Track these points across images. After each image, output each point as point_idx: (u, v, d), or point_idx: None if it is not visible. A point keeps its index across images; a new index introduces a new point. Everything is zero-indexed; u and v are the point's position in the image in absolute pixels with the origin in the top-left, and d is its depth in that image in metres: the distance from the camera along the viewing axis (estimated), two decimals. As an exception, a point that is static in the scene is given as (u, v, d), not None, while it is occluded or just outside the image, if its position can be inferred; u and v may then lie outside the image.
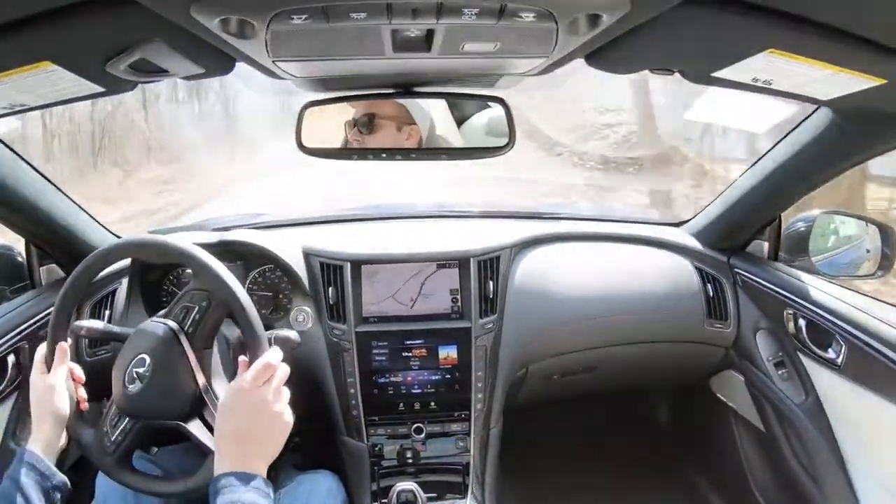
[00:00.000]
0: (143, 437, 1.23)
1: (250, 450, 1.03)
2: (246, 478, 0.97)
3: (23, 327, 1.56)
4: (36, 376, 1.22)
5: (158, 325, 1.20)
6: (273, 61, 1.02)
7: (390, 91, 1.39)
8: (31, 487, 1.07)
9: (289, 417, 1.09)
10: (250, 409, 1.05)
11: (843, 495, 1.59)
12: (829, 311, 1.58)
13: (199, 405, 1.18)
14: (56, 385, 1.20)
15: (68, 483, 1.15)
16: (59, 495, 1.12)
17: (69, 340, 1.26)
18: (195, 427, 1.18)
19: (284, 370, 1.13)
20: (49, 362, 1.23)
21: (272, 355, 1.11)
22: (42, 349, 1.25)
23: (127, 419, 1.20)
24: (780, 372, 1.79)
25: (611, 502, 2.34)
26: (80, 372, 1.27)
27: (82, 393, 1.26)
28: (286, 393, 1.11)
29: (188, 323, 1.20)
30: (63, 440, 1.20)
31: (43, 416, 1.17)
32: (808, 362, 1.70)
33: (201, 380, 1.17)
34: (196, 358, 1.18)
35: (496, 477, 1.83)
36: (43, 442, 1.14)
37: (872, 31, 0.87)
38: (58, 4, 0.79)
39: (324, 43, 0.95)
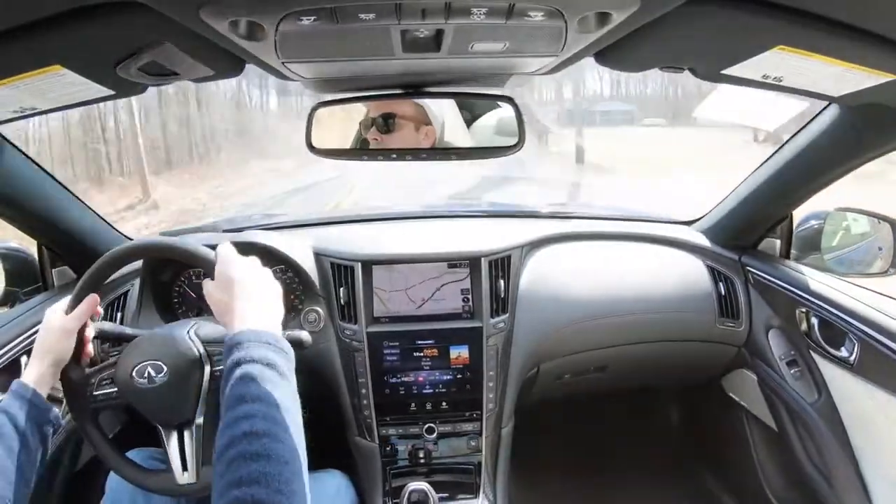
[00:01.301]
0: (122, 411, 1.23)
1: (263, 311, 1.01)
2: (256, 334, 0.94)
3: (35, 329, 1.57)
4: (55, 315, 1.19)
5: (192, 347, 1.20)
6: (282, 62, 1.03)
7: (400, 91, 1.39)
8: (24, 420, 1.06)
9: (275, 280, 1.11)
10: (244, 274, 1.05)
11: (855, 494, 1.58)
12: (841, 310, 1.57)
13: (185, 424, 1.19)
14: (72, 330, 1.18)
15: (60, 419, 1.15)
16: (50, 430, 1.12)
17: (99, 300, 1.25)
18: (172, 438, 1.20)
19: None
20: (71, 309, 1.20)
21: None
22: (67, 299, 1.23)
23: (116, 390, 1.21)
24: (792, 371, 1.78)
25: (622, 501, 2.34)
26: (91, 332, 1.26)
27: (89, 350, 1.25)
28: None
29: (220, 375, 1.19)
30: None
31: (45, 354, 1.16)
32: (820, 361, 1.69)
33: (201, 409, 1.18)
34: (206, 394, 1.19)
35: (508, 476, 1.84)
36: (38, 378, 1.13)
37: (883, 27, 0.87)
38: (67, 8, 0.80)
39: (333, 44, 0.95)
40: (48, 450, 1.12)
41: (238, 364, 0.89)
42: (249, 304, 1.01)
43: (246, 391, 0.86)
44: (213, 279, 1.08)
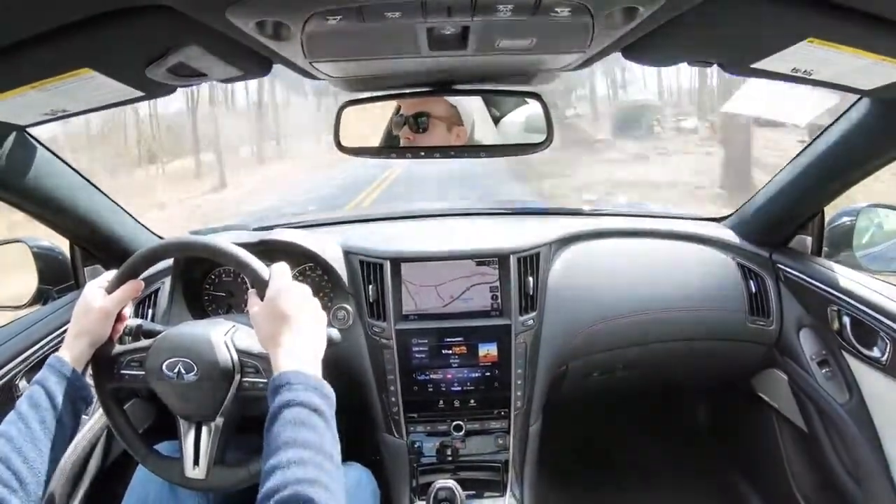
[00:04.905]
0: (152, 403, 1.24)
1: (308, 350, 1.04)
2: (304, 378, 0.97)
3: (68, 326, 1.60)
4: (95, 293, 1.20)
5: (227, 356, 1.20)
6: (309, 62, 1.04)
7: (427, 89, 1.40)
8: (59, 395, 1.08)
9: (322, 311, 1.12)
10: (295, 309, 1.06)
11: (886, 497, 1.55)
12: (874, 308, 1.54)
13: (204, 421, 1.21)
14: (112, 313, 1.20)
15: (94, 396, 1.18)
16: (83, 406, 1.14)
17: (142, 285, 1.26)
18: (189, 431, 1.22)
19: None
20: (112, 289, 1.21)
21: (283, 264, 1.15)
22: (110, 273, 1.24)
23: (144, 374, 1.22)
24: (823, 371, 1.75)
25: (649, 501, 2.32)
26: (129, 311, 1.27)
27: (119, 328, 1.25)
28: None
29: (248, 385, 1.21)
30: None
31: (82, 333, 1.17)
32: (852, 361, 1.67)
33: (223, 411, 1.20)
34: (231, 400, 1.20)
35: (535, 474, 1.84)
36: (73, 355, 1.14)
37: None
38: (95, 12, 0.82)
39: (360, 43, 0.96)
40: (78, 428, 1.15)
41: (286, 406, 0.93)
42: (296, 342, 1.04)
43: (297, 436, 0.90)
44: (261, 298, 1.11)
